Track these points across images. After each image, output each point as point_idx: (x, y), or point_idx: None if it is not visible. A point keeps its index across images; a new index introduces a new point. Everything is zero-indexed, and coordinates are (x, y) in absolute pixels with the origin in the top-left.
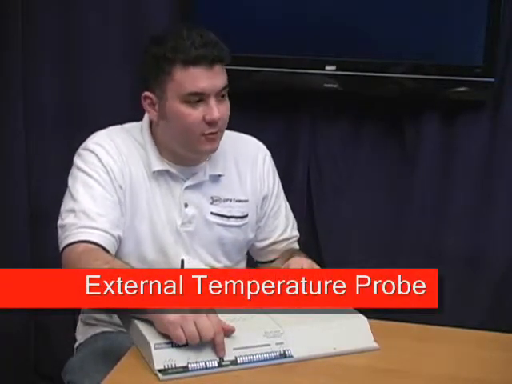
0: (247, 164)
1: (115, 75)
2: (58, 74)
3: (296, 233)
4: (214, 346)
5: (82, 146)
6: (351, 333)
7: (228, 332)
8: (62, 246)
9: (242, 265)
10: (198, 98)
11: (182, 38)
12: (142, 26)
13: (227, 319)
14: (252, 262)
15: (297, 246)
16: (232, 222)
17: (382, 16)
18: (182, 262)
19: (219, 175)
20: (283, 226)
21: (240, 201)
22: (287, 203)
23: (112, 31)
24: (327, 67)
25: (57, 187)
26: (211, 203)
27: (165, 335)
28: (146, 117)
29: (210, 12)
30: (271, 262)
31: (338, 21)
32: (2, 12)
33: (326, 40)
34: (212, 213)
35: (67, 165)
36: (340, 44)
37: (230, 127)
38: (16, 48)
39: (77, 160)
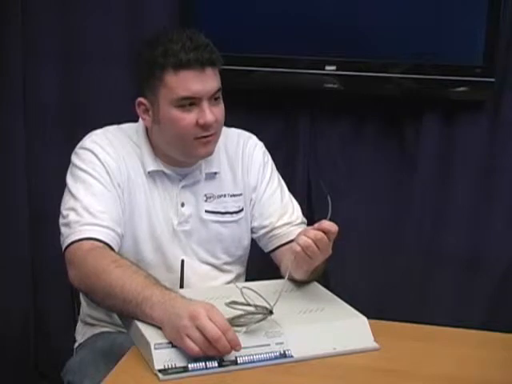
0: (237, 156)
1: (115, 75)
2: (58, 73)
3: (295, 218)
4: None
5: (79, 145)
6: (351, 333)
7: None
8: (66, 243)
9: (243, 260)
10: (190, 101)
11: (172, 41)
12: (142, 26)
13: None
14: (254, 258)
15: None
16: (227, 217)
17: (382, 16)
18: (182, 262)
19: (215, 173)
20: (280, 212)
21: (234, 195)
22: (285, 190)
23: (112, 31)
24: (327, 67)
25: (57, 187)
26: (205, 201)
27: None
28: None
29: (209, 12)
30: (275, 250)
31: (338, 21)
32: (2, 12)
33: (326, 40)
34: (206, 211)
35: (67, 165)
36: (340, 44)
37: (229, 126)
38: (16, 48)
39: (75, 159)
